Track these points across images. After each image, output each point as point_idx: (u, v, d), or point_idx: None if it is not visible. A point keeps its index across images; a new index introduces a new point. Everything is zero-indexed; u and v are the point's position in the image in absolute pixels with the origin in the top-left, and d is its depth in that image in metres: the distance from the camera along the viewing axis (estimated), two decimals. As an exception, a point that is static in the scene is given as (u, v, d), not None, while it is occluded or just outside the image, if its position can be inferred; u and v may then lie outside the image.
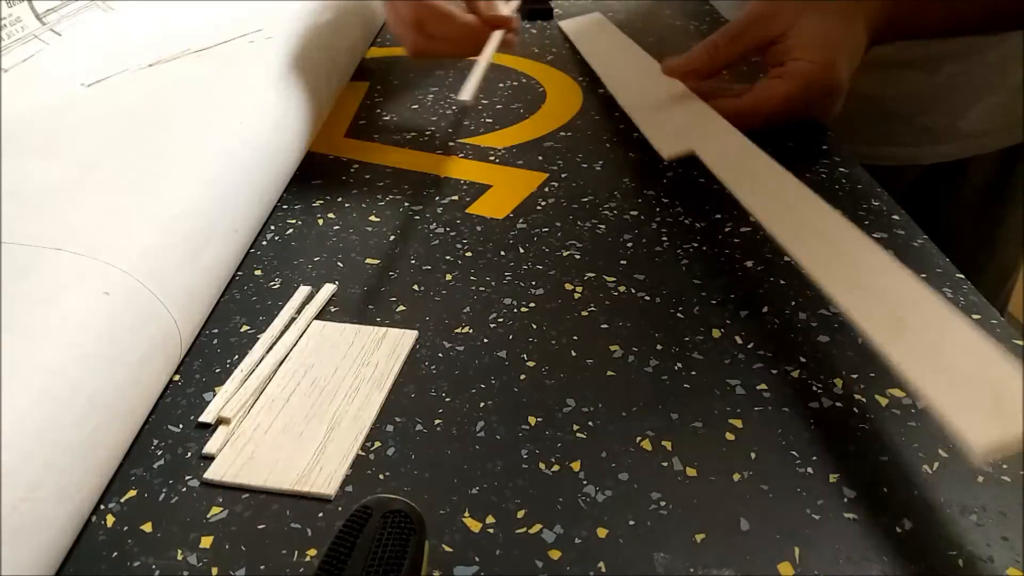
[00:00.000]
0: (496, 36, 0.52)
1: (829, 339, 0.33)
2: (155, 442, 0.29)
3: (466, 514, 0.26)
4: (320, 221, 0.43)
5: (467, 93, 0.43)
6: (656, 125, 0.48)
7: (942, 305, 0.27)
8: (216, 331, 0.35)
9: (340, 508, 0.26)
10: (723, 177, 0.39)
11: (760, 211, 0.35)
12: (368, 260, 0.39)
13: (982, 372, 0.24)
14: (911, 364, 0.25)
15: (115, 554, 0.25)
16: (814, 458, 0.28)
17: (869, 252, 0.31)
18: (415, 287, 0.37)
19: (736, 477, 0.27)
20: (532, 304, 0.36)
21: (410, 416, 0.30)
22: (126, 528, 0.26)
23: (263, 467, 0.27)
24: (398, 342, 0.33)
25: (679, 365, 0.32)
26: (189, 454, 0.28)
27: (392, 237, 0.41)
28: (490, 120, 0.55)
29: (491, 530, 0.25)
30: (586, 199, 0.45)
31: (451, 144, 0.52)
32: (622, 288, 0.37)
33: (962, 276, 0.37)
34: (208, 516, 0.26)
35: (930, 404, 0.24)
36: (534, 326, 0.35)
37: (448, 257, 0.40)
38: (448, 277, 0.38)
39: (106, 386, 0.27)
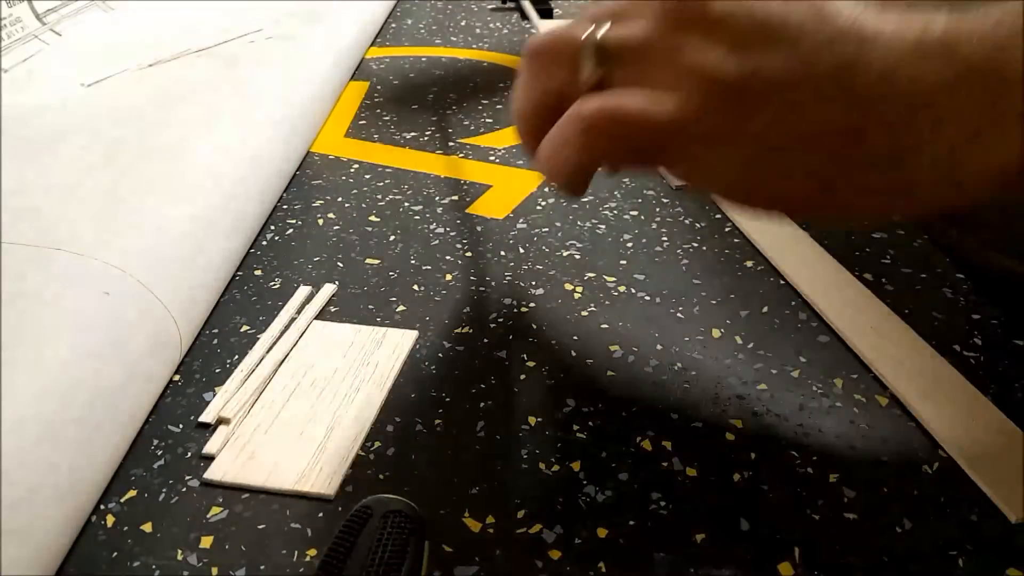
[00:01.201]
0: None
1: (829, 339, 0.33)
2: (155, 442, 0.29)
3: (466, 514, 0.26)
4: (320, 221, 0.43)
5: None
6: None
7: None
8: (216, 331, 0.35)
9: (340, 508, 0.26)
10: (733, 217, 0.42)
11: (773, 256, 0.39)
12: (368, 260, 0.39)
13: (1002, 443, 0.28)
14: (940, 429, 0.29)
15: (115, 554, 0.25)
16: (814, 458, 0.28)
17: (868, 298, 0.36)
18: (415, 287, 0.37)
19: (736, 477, 0.27)
20: (532, 304, 0.36)
21: (410, 416, 0.30)
22: (126, 528, 0.26)
23: (263, 467, 0.27)
24: (398, 342, 0.33)
25: (679, 365, 0.32)
26: (189, 454, 0.28)
27: (392, 237, 0.41)
28: (490, 120, 0.55)
29: (491, 530, 0.25)
30: (586, 199, 0.45)
31: (451, 144, 0.52)
32: (622, 288, 0.37)
33: (962, 276, 0.37)
34: (208, 516, 0.26)
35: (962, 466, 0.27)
36: (534, 326, 0.35)
37: (448, 257, 0.40)
38: (448, 277, 0.38)
39: (106, 386, 0.27)
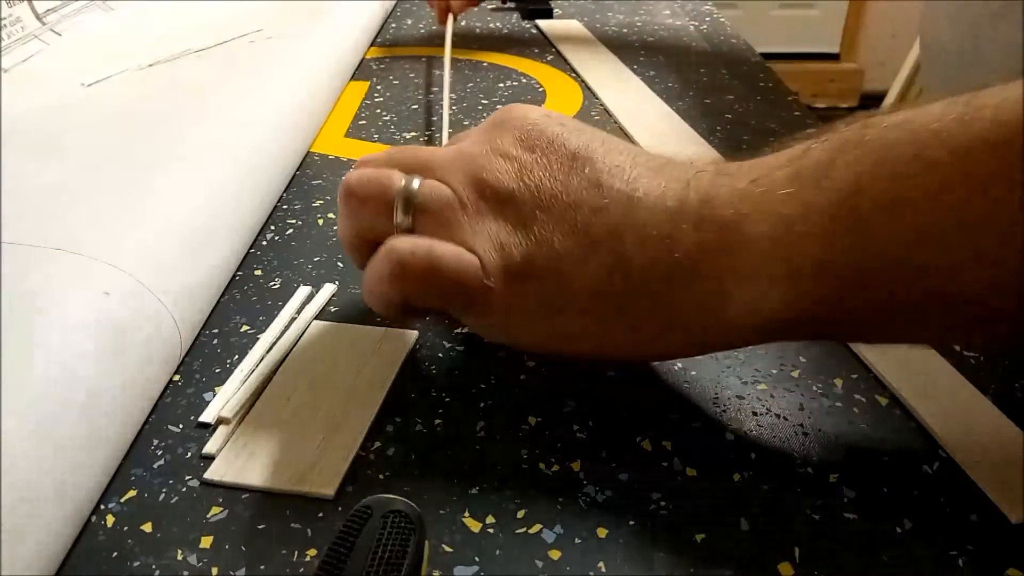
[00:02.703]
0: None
1: (829, 339, 0.33)
2: (155, 442, 0.29)
3: (466, 514, 0.26)
4: (320, 221, 0.43)
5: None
6: None
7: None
8: (216, 331, 0.35)
9: (340, 508, 0.26)
10: None
11: None
12: (368, 260, 0.39)
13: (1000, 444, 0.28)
14: (940, 429, 0.29)
15: (115, 554, 0.25)
16: (814, 458, 0.28)
17: None
18: (415, 287, 0.37)
19: (736, 477, 0.27)
20: (532, 304, 0.36)
21: (410, 416, 0.30)
22: (126, 528, 0.26)
23: (263, 467, 0.27)
24: (398, 342, 0.33)
25: (679, 365, 0.32)
26: (189, 454, 0.28)
27: (392, 237, 0.41)
28: (490, 120, 0.55)
29: (491, 530, 0.25)
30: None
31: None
32: (622, 288, 0.37)
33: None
34: (208, 516, 0.26)
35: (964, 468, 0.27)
36: (534, 326, 0.34)
37: (448, 257, 0.39)
38: (448, 277, 0.38)
39: (106, 386, 0.27)
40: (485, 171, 0.28)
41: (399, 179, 0.28)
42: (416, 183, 0.28)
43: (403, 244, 0.28)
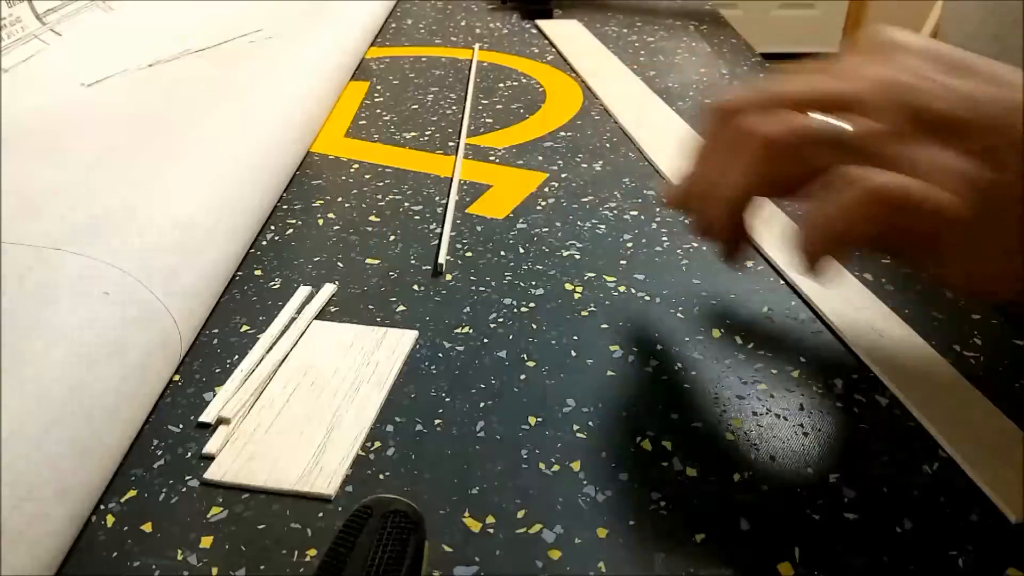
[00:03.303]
0: None
1: (829, 339, 0.33)
2: (155, 442, 0.29)
3: (466, 514, 0.26)
4: (320, 221, 0.43)
5: None
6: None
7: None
8: (216, 331, 0.35)
9: (340, 508, 0.26)
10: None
11: (773, 255, 0.39)
12: (368, 260, 0.39)
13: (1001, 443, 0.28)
14: (941, 430, 0.29)
15: (115, 554, 0.25)
16: (814, 458, 0.28)
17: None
18: (415, 287, 0.37)
19: (736, 477, 0.27)
20: (532, 304, 0.36)
21: (410, 416, 0.30)
22: (126, 528, 0.26)
23: (263, 467, 0.27)
24: (398, 342, 0.33)
25: (679, 365, 0.32)
26: (189, 454, 0.28)
27: (392, 237, 0.41)
28: (490, 120, 0.55)
29: (491, 530, 0.25)
30: (586, 199, 0.45)
31: (451, 144, 0.52)
32: (622, 288, 0.37)
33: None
34: (208, 516, 0.26)
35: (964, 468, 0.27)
36: (534, 326, 0.35)
37: (448, 257, 0.40)
38: (448, 277, 0.38)
39: (106, 386, 0.27)
40: (916, 100, 0.24)
41: (821, 123, 0.25)
42: (840, 124, 0.25)
43: (874, 175, 0.24)
